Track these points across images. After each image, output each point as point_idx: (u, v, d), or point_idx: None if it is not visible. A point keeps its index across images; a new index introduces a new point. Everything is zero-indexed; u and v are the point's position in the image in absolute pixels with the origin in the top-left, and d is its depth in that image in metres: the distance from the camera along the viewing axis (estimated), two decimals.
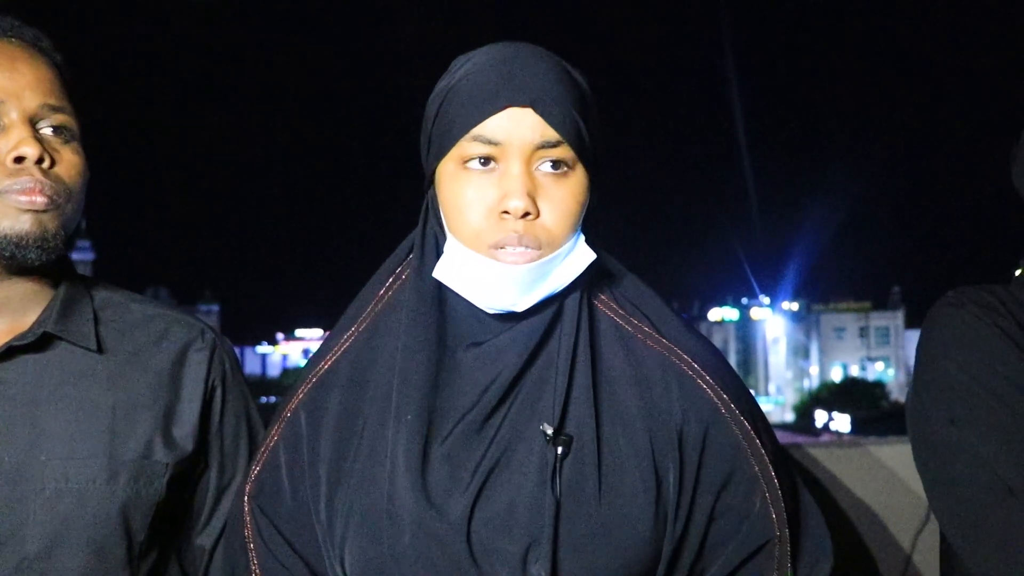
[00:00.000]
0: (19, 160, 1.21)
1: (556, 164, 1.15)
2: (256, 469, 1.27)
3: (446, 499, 1.13)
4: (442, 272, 1.18)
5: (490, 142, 1.14)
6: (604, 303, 1.25)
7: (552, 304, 1.19)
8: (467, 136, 1.15)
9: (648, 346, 1.23)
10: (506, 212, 1.13)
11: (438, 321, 1.20)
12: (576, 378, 1.18)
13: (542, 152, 1.14)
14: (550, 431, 1.14)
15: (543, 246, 1.14)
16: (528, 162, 1.14)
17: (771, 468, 1.22)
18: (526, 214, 1.13)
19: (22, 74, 1.24)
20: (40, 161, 1.23)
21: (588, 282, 1.22)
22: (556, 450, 1.13)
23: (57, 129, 1.27)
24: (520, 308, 1.16)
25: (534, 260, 1.14)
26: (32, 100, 1.24)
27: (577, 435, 1.15)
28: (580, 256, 1.18)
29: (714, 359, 1.26)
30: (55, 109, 1.26)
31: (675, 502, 1.17)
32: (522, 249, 1.13)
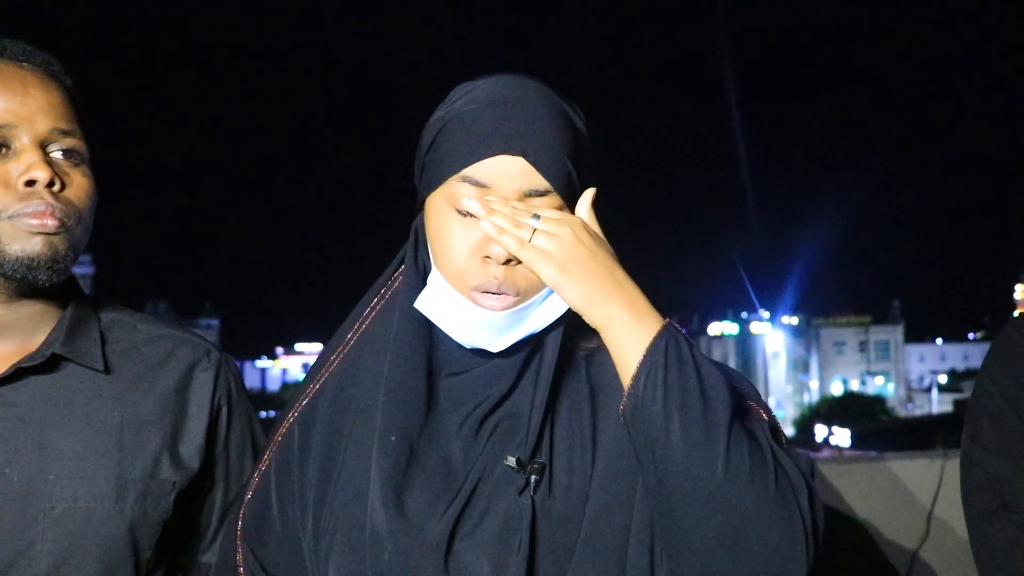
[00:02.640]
0: (30, 183, 1.23)
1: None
2: (248, 495, 1.29)
3: (425, 521, 1.13)
4: (423, 304, 1.20)
5: (478, 184, 1.15)
6: (582, 347, 1.24)
7: (530, 341, 1.20)
8: (457, 176, 1.15)
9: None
10: (488, 256, 1.14)
11: (424, 345, 1.21)
12: (551, 409, 1.18)
13: (530, 200, 1.15)
14: (513, 462, 1.14)
15: (521, 293, 1.15)
16: None
17: None
18: (508, 260, 1.14)
19: (33, 98, 1.26)
20: (51, 184, 1.24)
21: (566, 318, 1.21)
22: (530, 478, 1.14)
23: (67, 153, 1.28)
24: (495, 349, 1.17)
25: (510, 307, 1.15)
26: (43, 124, 1.26)
27: (554, 462, 1.16)
28: (557, 302, 1.18)
29: None
30: (65, 133, 1.28)
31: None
32: (501, 295, 1.14)
